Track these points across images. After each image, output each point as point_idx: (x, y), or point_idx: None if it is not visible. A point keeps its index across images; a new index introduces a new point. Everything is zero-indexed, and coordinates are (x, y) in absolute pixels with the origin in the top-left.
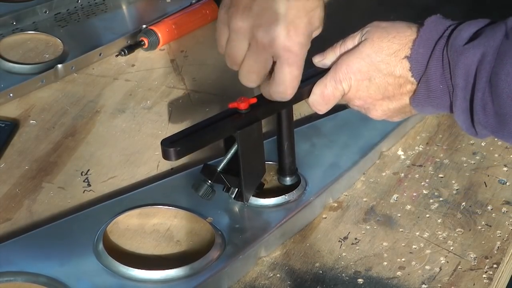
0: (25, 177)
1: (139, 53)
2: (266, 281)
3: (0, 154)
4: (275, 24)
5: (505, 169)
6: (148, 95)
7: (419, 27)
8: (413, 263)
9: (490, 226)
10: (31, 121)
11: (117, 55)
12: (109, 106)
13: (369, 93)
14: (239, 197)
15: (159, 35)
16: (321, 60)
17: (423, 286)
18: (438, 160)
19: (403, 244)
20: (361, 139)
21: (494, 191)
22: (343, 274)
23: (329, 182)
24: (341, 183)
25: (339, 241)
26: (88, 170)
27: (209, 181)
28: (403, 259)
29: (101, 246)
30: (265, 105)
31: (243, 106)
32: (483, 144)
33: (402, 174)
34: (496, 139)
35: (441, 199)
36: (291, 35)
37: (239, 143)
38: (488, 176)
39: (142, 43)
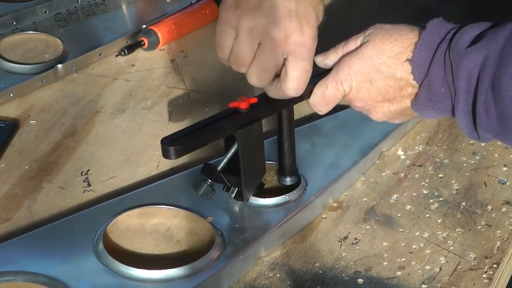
0: (25, 177)
1: (139, 53)
2: (266, 281)
3: (0, 154)
4: (289, 21)
5: (505, 169)
6: (148, 95)
7: (421, 30)
8: (413, 263)
9: (490, 226)
10: (31, 121)
11: (117, 55)
12: (109, 106)
13: (370, 95)
14: (239, 196)
15: (159, 35)
16: (323, 60)
17: (423, 286)
18: (438, 160)
19: (403, 244)
20: (361, 139)
21: (494, 191)
22: (343, 274)
23: (329, 182)
24: (341, 183)
25: (339, 241)
26: (88, 170)
27: (209, 181)
28: (403, 259)
29: (101, 246)
30: (265, 105)
31: (243, 105)
32: (483, 144)
33: (402, 174)
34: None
35: (441, 199)
36: (304, 30)
37: (239, 143)
38: (488, 176)
39: (142, 43)
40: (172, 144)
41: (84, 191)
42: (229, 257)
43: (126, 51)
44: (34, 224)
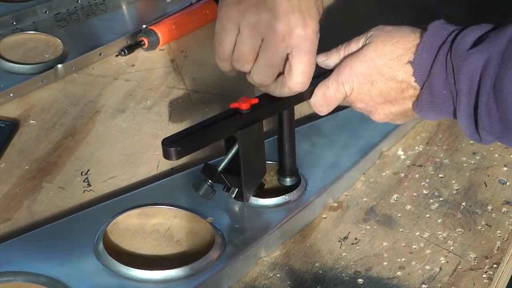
0: (25, 177)
1: (139, 53)
2: (266, 281)
3: (0, 154)
4: (292, 14)
5: (505, 169)
6: (148, 95)
7: (422, 32)
8: (413, 263)
9: (490, 226)
10: (31, 121)
11: (117, 55)
12: (109, 106)
13: (371, 96)
14: (239, 197)
15: (159, 35)
16: (325, 61)
17: (423, 286)
18: (438, 160)
19: (403, 244)
20: (361, 139)
21: (494, 191)
22: (343, 274)
23: (329, 182)
24: (341, 183)
25: (339, 241)
26: (88, 170)
27: (210, 181)
28: (403, 259)
29: (101, 246)
30: (266, 106)
31: (244, 106)
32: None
33: (402, 174)
34: None
35: (441, 199)
36: (307, 23)
37: (240, 143)
38: (488, 176)
39: (142, 43)
40: (173, 145)
41: (84, 191)
42: (229, 257)
43: (126, 51)
44: (34, 224)
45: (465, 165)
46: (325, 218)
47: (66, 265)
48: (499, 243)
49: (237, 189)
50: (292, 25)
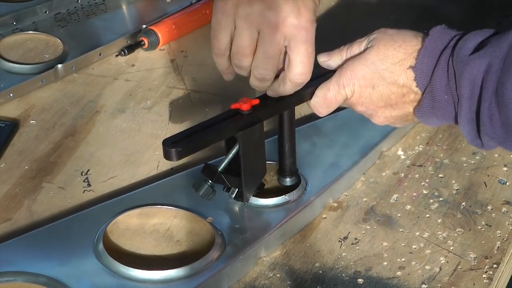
0: (25, 177)
1: (139, 53)
2: (266, 281)
3: (0, 154)
4: (285, 4)
5: (505, 169)
6: (148, 95)
7: (424, 37)
8: (413, 263)
9: (490, 226)
10: (31, 121)
11: (117, 55)
12: (109, 106)
13: (372, 100)
14: (239, 197)
15: (159, 35)
16: (327, 61)
17: (423, 286)
18: (438, 160)
19: (403, 244)
20: (361, 139)
21: (494, 191)
22: (343, 274)
23: (329, 182)
24: (341, 183)
25: (339, 241)
26: (88, 170)
27: (210, 181)
28: (403, 259)
29: (101, 246)
30: (267, 106)
31: (245, 107)
32: None
33: (402, 174)
34: None
35: (441, 199)
36: (301, 12)
37: (240, 144)
38: (488, 176)
39: (142, 43)
40: (173, 145)
41: (84, 191)
42: (229, 258)
43: (126, 51)
44: (34, 224)
45: (465, 165)
46: (325, 218)
47: (66, 265)
48: (499, 243)
49: (237, 189)
50: (285, 14)
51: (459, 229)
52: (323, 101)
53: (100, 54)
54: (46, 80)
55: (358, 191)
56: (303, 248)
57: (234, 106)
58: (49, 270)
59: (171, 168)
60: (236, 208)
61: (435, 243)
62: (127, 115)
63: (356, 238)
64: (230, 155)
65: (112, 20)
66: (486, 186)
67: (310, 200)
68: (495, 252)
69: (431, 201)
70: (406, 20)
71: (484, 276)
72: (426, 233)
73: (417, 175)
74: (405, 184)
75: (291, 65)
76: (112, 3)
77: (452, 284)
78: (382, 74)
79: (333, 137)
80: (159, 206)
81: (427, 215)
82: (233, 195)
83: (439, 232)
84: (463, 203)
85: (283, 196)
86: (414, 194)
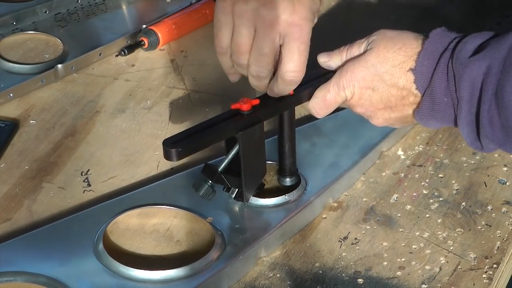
0: (25, 177)
1: (139, 53)
2: (266, 281)
3: (0, 154)
4: (280, 1)
5: (505, 169)
6: (148, 95)
7: (424, 39)
8: (413, 263)
9: (490, 226)
10: (31, 121)
11: (117, 55)
12: (109, 106)
13: (371, 102)
14: (239, 197)
15: (159, 35)
16: (327, 61)
17: (423, 286)
18: (438, 160)
19: (403, 244)
20: (361, 139)
21: (494, 191)
22: (343, 274)
23: (329, 182)
24: (341, 183)
25: (339, 241)
26: (88, 170)
27: (210, 181)
28: (403, 259)
29: (101, 246)
30: (267, 107)
31: (245, 107)
32: None
33: (402, 174)
34: None
35: (441, 199)
36: (296, 9)
37: (240, 144)
38: (488, 176)
39: (142, 43)
40: (173, 146)
41: (84, 191)
42: (229, 258)
43: (126, 51)
44: (34, 224)
45: (465, 165)
46: (325, 218)
47: (66, 265)
48: (499, 243)
49: (237, 189)
50: (279, 11)
51: (459, 229)
52: (323, 102)
53: (100, 54)
54: (46, 80)
55: (358, 191)
56: (303, 248)
57: (234, 106)
58: (49, 270)
59: (171, 168)
60: (236, 208)
61: (435, 243)
62: (127, 115)
63: (356, 238)
64: (230, 155)
65: (112, 20)
66: (486, 186)
67: (310, 200)
68: (495, 252)
69: (431, 201)
70: (406, 20)
71: (484, 276)
72: (426, 233)
73: (417, 175)
74: (405, 184)
75: (282, 62)
76: (112, 3)
77: (452, 284)
78: (382, 76)
79: (333, 137)
80: (159, 206)
81: (427, 215)
82: (233, 195)
83: (439, 232)
84: (463, 203)
85: (283, 196)
86: (414, 194)
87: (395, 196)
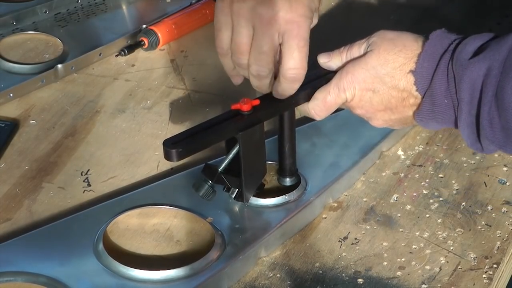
0: (25, 177)
1: (139, 53)
2: (266, 281)
3: (0, 154)
4: None
5: (505, 169)
6: (148, 95)
7: (425, 41)
8: (413, 263)
9: (490, 226)
10: (31, 121)
11: (117, 55)
12: (109, 106)
13: (372, 104)
14: (240, 197)
15: (159, 35)
16: (327, 62)
17: (423, 286)
18: (438, 160)
19: (403, 244)
20: (361, 139)
21: (494, 191)
22: (343, 274)
23: (329, 182)
24: (341, 183)
25: (339, 241)
26: (88, 170)
27: (210, 182)
28: (403, 259)
29: (101, 246)
30: (268, 107)
31: (245, 107)
32: None
33: (402, 174)
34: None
35: (441, 199)
36: (294, 7)
37: (241, 145)
38: (488, 176)
39: (142, 43)
40: (174, 146)
41: (84, 191)
42: (229, 258)
43: (126, 51)
44: (34, 224)
45: (465, 165)
46: (325, 218)
47: (66, 265)
48: (499, 243)
49: (237, 190)
50: (276, 9)
51: (459, 229)
52: (323, 104)
53: (100, 54)
54: (46, 80)
55: (358, 191)
56: (303, 248)
57: (234, 106)
58: (49, 270)
59: (171, 168)
60: (236, 208)
61: (435, 243)
62: (127, 115)
63: (356, 238)
64: (231, 156)
65: (112, 20)
66: (486, 186)
67: (310, 200)
68: (495, 252)
69: (431, 201)
70: (406, 20)
71: (484, 276)
72: (426, 233)
73: (417, 175)
74: (405, 184)
75: (282, 59)
76: (112, 3)
77: (452, 284)
78: (383, 78)
79: (333, 137)
80: (159, 206)
81: (427, 215)
82: (233, 195)
83: (439, 232)
84: (463, 203)
85: (283, 196)
86: (414, 194)
87: (395, 196)
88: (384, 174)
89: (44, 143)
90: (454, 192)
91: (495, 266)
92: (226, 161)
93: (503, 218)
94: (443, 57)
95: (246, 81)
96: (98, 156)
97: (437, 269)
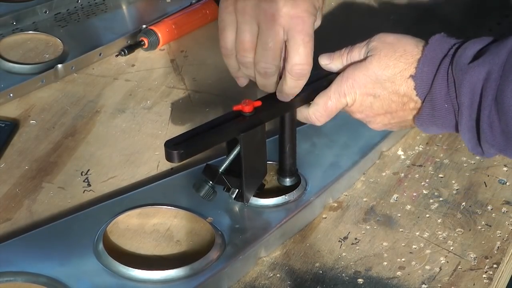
0: (25, 177)
1: (139, 53)
2: (266, 281)
3: (0, 154)
4: None
5: (505, 169)
6: (148, 95)
7: (424, 46)
8: (413, 263)
9: (490, 226)
10: (31, 121)
11: (117, 55)
12: (109, 106)
13: (372, 108)
14: (240, 197)
15: (159, 35)
16: (328, 64)
17: (423, 286)
18: (438, 160)
19: (403, 244)
20: (361, 139)
21: (494, 191)
22: (343, 274)
23: (329, 182)
24: (341, 183)
25: (339, 241)
26: (88, 170)
27: (211, 182)
28: (403, 259)
29: (101, 246)
30: (269, 108)
31: (247, 109)
32: None
33: (402, 174)
34: None
35: (441, 199)
36: (297, 2)
37: (242, 146)
38: (488, 176)
39: (142, 43)
40: (175, 147)
41: (84, 191)
42: (229, 258)
43: (126, 51)
44: (34, 224)
45: (465, 165)
46: (325, 218)
47: (66, 265)
48: (499, 243)
49: (237, 190)
50: (280, 4)
51: (459, 229)
52: (323, 109)
53: (100, 54)
54: (46, 80)
55: (358, 191)
56: (303, 248)
57: (236, 107)
58: (49, 270)
59: (171, 168)
60: (236, 208)
61: (435, 243)
62: (127, 115)
63: (356, 238)
64: (232, 156)
65: (112, 20)
66: (486, 186)
67: (310, 200)
68: (495, 252)
69: (431, 201)
70: (406, 20)
71: (484, 276)
72: (426, 233)
73: (417, 175)
74: (405, 184)
75: (288, 56)
76: (112, 3)
77: (452, 284)
78: (384, 84)
79: (333, 137)
80: (159, 206)
81: (427, 215)
82: (233, 196)
83: (439, 232)
84: (463, 203)
85: (283, 196)
86: (414, 194)
87: (395, 196)
88: (384, 174)
89: (44, 143)
90: (454, 192)
91: (495, 266)
92: (227, 162)
93: (503, 218)
94: (443, 62)
95: (248, 82)
96: (98, 156)
97: (437, 269)
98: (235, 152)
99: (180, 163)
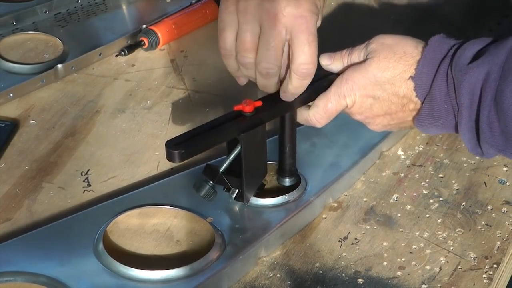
0: (25, 177)
1: (139, 53)
2: (266, 281)
3: (0, 154)
4: None
5: (505, 169)
6: (148, 95)
7: (424, 47)
8: (413, 263)
9: (490, 226)
10: (31, 121)
11: (117, 55)
12: (109, 106)
13: (372, 110)
14: (240, 197)
15: (159, 35)
16: (328, 65)
17: (423, 286)
18: (438, 160)
19: (403, 244)
20: (361, 139)
21: (494, 191)
22: (343, 274)
23: (329, 182)
24: (341, 183)
25: (339, 241)
26: (88, 170)
27: (211, 182)
28: (403, 259)
29: (101, 246)
30: (270, 108)
31: (248, 109)
32: None
33: (402, 174)
34: None
35: (441, 199)
36: (300, 2)
37: (243, 146)
38: (488, 176)
39: (142, 43)
40: (176, 147)
41: (84, 191)
42: (229, 258)
43: (126, 51)
44: (34, 224)
45: (465, 165)
46: (325, 218)
47: (66, 265)
48: (499, 243)
49: (237, 190)
50: (283, 4)
51: (459, 229)
52: (323, 111)
53: (100, 54)
54: (46, 80)
55: (358, 191)
56: (303, 248)
57: (237, 107)
58: (49, 270)
59: (171, 168)
60: (236, 208)
61: (435, 243)
62: (127, 115)
63: (356, 238)
64: (232, 156)
65: (112, 20)
66: (486, 186)
67: (310, 200)
68: (495, 252)
69: (431, 201)
70: (406, 20)
71: (484, 276)
72: (426, 233)
73: (417, 175)
74: (405, 184)
75: (293, 56)
76: (112, 3)
77: (452, 284)
78: (383, 85)
79: (333, 137)
80: (159, 206)
81: (427, 215)
82: (234, 196)
83: (439, 232)
84: (463, 203)
85: (283, 196)
86: (414, 194)
87: (395, 196)
88: (384, 174)
89: (44, 143)
90: (454, 192)
91: (495, 266)
92: (227, 162)
93: (503, 218)
94: (442, 63)
95: (247, 81)
96: (98, 156)
97: (437, 269)
98: (235, 152)
99: (180, 163)
